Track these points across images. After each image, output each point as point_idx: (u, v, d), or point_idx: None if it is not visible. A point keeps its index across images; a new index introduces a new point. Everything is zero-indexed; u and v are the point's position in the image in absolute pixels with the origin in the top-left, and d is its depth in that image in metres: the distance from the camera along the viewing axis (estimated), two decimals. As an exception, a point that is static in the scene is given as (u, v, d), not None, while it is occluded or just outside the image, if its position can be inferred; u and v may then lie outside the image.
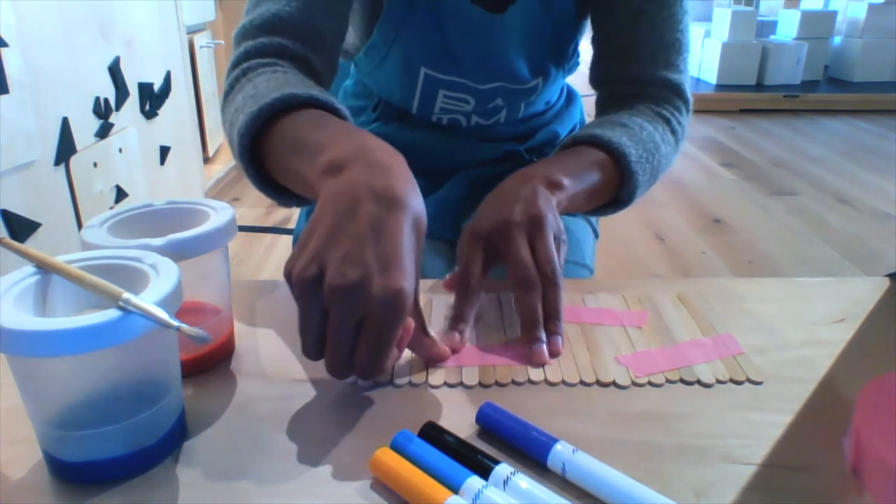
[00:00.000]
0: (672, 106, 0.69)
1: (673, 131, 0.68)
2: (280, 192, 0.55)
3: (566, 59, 0.76)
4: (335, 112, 0.52)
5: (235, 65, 0.58)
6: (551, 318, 0.49)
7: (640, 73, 0.68)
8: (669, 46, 0.68)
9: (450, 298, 0.56)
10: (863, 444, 0.34)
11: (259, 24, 0.58)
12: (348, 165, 0.42)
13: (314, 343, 0.39)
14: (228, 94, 0.58)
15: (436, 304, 0.55)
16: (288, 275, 0.39)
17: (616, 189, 0.63)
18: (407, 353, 0.48)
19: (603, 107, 0.72)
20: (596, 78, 0.73)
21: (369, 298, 0.37)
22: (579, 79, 0.82)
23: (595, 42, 0.72)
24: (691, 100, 0.71)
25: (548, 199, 0.54)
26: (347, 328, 0.38)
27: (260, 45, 0.58)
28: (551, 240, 0.51)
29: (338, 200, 0.40)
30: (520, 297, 0.50)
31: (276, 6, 0.59)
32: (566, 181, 0.56)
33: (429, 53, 0.71)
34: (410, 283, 0.38)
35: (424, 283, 0.59)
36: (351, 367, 0.39)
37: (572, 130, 0.90)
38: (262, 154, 0.52)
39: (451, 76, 0.73)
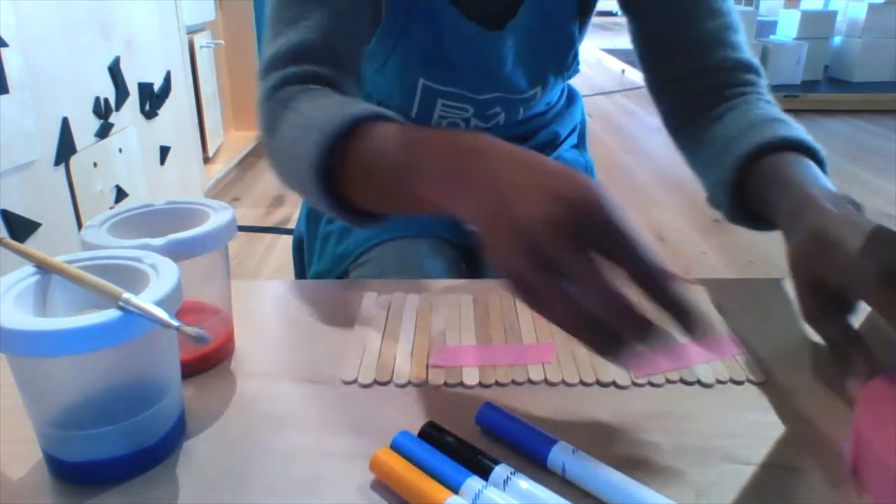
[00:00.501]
0: (763, 87, 0.65)
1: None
2: (354, 212, 0.52)
3: (566, 68, 0.76)
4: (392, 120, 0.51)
5: (269, 96, 0.57)
6: None
7: (719, 61, 0.63)
8: (732, 28, 0.64)
9: (450, 298, 0.56)
10: (863, 444, 0.34)
11: (284, 53, 0.57)
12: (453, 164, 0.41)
13: (593, 327, 0.34)
14: (272, 127, 0.55)
15: (436, 305, 0.55)
16: (506, 264, 0.35)
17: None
18: (407, 354, 0.48)
19: (685, 107, 0.66)
20: (662, 81, 0.68)
21: (572, 204, 0.34)
22: (580, 79, 0.82)
23: (645, 46, 0.68)
24: (764, 73, 0.66)
25: None
26: (589, 266, 0.33)
27: (290, 74, 0.57)
28: None
29: (475, 186, 0.38)
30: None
31: (297, 35, 0.57)
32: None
33: (427, 65, 0.72)
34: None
35: (425, 284, 0.59)
36: (635, 317, 0.34)
37: (573, 131, 0.90)
38: (336, 178, 0.50)
39: (449, 87, 0.73)
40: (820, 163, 0.55)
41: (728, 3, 0.65)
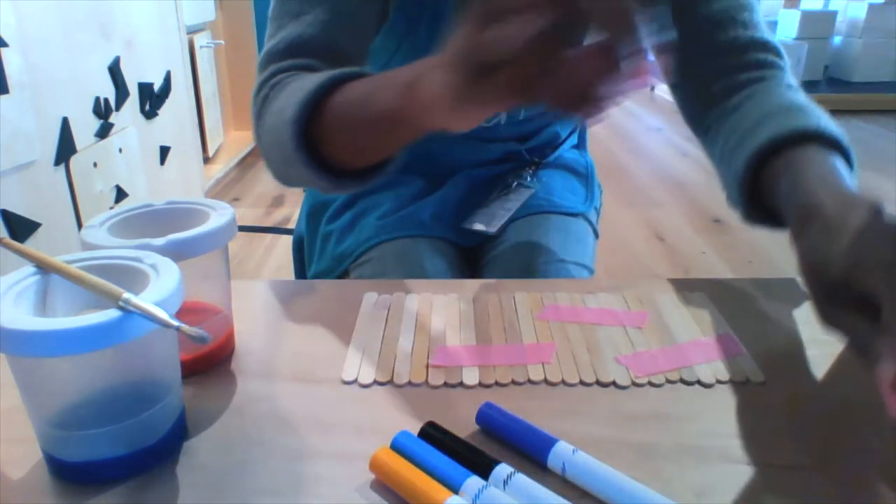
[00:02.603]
0: (785, 70, 0.61)
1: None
2: (336, 174, 0.52)
3: None
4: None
5: (262, 86, 0.57)
6: None
7: (732, 40, 0.59)
8: (746, 7, 0.61)
9: (450, 298, 0.56)
10: None
11: (283, 47, 0.58)
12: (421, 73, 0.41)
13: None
14: (260, 113, 0.56)
15: (436, 305, 0.55)
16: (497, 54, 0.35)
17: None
18: (407, 354, 0.48)
19: (700, 97, 0.62)
20: (697, 98, 0.62)
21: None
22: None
23: (677, 84, 0.64)
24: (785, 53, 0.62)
25: None
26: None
27: (286, 65, 0.57)
28: None
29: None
30: None
31: (297, 28, 0.57)
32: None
33: None
34: None
35: (425, 284, 0.59)
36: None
37: (573, 131, 0.91)
38: (317, 135, 0.51)
39: None
40: (844, 152, 0.50)
41: None
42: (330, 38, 0.58)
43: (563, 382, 0.45)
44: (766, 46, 0.61)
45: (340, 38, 0.59)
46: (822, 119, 0.52)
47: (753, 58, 0.60)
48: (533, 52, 0.35)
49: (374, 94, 0.46)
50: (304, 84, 0.51)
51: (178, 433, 0.39)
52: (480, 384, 0.45)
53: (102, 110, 1.59)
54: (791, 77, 0.61)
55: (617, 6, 0.33)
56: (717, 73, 0.61)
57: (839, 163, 0.48)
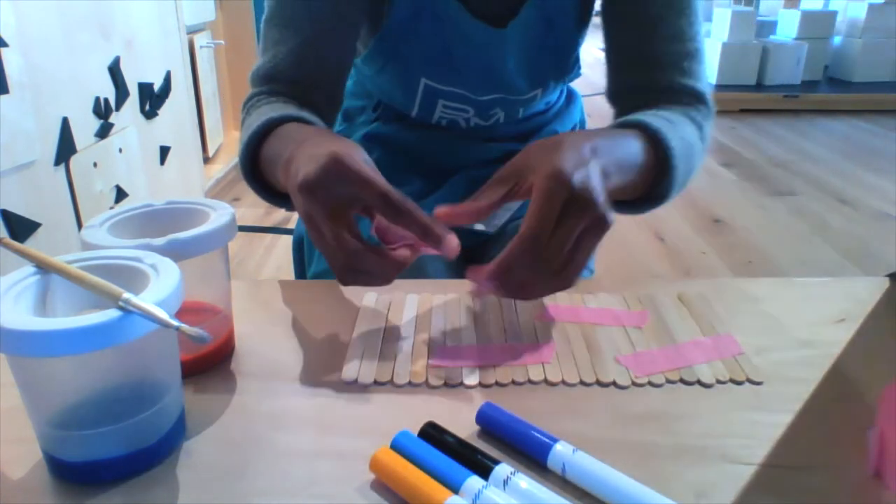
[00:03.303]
0: (700, 113, 0.66)
1: (702, 137, 0.65)
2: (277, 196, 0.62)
3: (567, 71, 0.76)
4: (307, 122, 0.58)
5: (245, 103, 0.66)
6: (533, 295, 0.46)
7: (668, 83, 0.65)
8: (692, 56, 0.65)
9: (450, 298, 0.56)
10: (886, 446, 0.34)
11: (262, 74, 0.66)
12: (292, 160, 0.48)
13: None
14: (242, 124, 0.66)
15: (436, 305, 0.55)
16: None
17: (650, 185, 0.58)
18: (407, 354, 0.48)
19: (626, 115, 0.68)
20: (617, 91, 0.69)
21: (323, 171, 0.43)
22: (579, 79, 0.82)
23: (610, 55, 0.69)
24: (714, 108, 0.68)
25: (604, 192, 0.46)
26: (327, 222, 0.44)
27: (264, 90, 0.66)
28: (594, 249, 0.45)
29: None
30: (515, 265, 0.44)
31: (273, 59, 0.65)
32: (612, 180, 0.49)
33: (429, 65, 0.72)
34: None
35: (425, 284, 0.59)
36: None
37: (572, 130, 0.90)
38: (258, 168, 0.60)
39: (450, 87, 0.73)
40: (665, 150, 0.56)
41: (694, 30, 0.66)
42: (302, 69, 0.65)
43: (563, 382, 0.45)
44: (698, 96, 0.66)
45: (312, 67, 0.65)
46: (666, 125, 0.58)
47: (683, 101, 0.65)
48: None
49: (279, 154, 0.53)
50: (260, 115, 0.60)
51: (178, 433, 0.39)
52: (480, 384, 0.45)
53: (102, 110, 1.59)
54: (703, 119, 0.66)
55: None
56: (649, 105, 0.65)
57: (629, 141, 0.55)
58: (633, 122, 0.57)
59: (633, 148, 0.54)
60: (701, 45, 0.67)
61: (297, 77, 0.65)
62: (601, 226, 0.44)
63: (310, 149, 0.46)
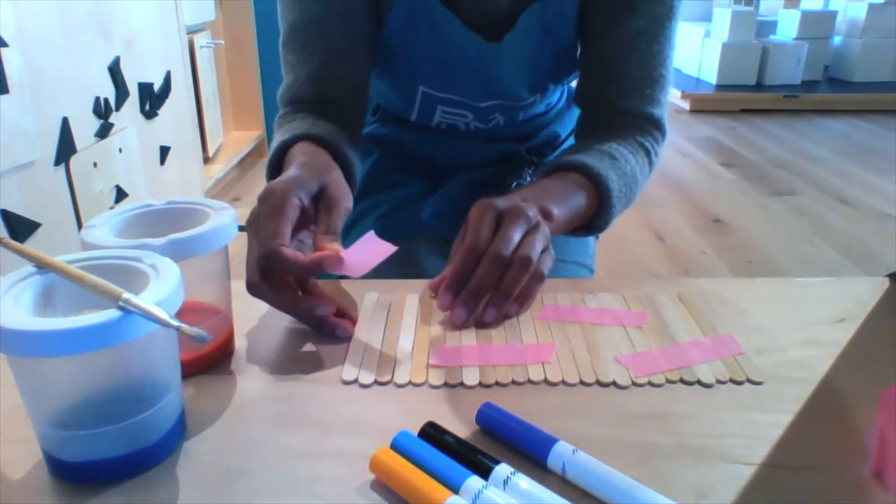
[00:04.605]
0: (653, 137, 0.71)
1: (650, 162, 0.71)
2: None
3: (567, 73, 0.76)
4: (321, 141, 0.63)
5: (276, 119, 0.72)
6: (502, 295, 0.51)
7: (627, 107, 0.70)
8: (656, 83, 0.69)
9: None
10: (886, 446, 0.34)
11: (286, 99, 0.71)
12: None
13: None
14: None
15: (436, 305, 0.55)
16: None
17: (590, 217, 0.65)
18: (407, 354, 0.48)
19: (587, 126, 0.73)
20: (581, 99, 0.74)
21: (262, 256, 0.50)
22: (579, 79, 0.82)
23: (582, 64, 0.72)
24: (668, 131, 0.73)
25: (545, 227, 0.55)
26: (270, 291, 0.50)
27: (289, 109, 0.71)
28: (539, 243, 0.52)
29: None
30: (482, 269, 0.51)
31: (294, 83, 0.70)
32: (556, 211, 0.58)
33: (427, 74, 0.72)
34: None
35: (425, 284, 0.59)
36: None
37: (573, 131, 0.90)
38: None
39: (448, 94, 0.73)
40: (601, 192, 0.64)
41: (663, 56, 0.68)
42: (319, 90, 0.69)
43: (563, 382, 0.45)
44: (654, 122, 0.71)
45: (331, 88, 0.69)
46: (606, 165, 0.64)
47: (638, 125, 0.70)
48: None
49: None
50: (284, 133, 0.65)
51: (178, 433, 0.39)
52: (480, 384, 0.45)
53: (102, 110, 1.59)
54: (657, 146, 0.72)
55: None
56: (607, 121, 0.70)
57: (566, 187, 0.63)
58: (577, 163, 0.64)
59: (574, 192, 0.62)
60: (668, 73, 0.70)
61: (316, 97, 0.69)
62: (536, 227, 0.53)
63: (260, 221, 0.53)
